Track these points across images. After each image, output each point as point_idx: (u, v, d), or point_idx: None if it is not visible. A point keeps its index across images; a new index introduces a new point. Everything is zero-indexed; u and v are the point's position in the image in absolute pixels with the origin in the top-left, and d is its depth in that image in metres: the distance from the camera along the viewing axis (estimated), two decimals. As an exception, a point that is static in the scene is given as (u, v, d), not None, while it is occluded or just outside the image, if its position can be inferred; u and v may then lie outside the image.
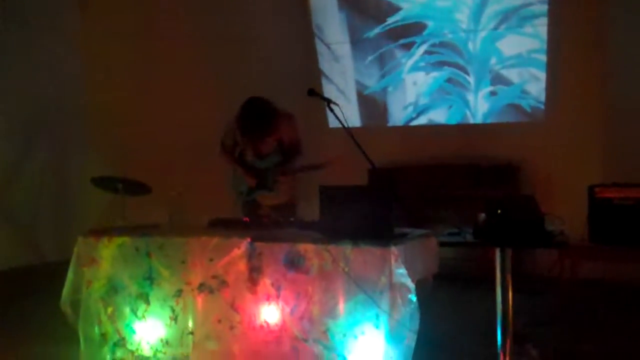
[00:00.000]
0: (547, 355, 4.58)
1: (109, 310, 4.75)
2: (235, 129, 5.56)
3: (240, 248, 4.46)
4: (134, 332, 4.70)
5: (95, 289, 4.79)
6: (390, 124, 8.57)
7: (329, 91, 8.52)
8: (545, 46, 7.71)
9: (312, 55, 8.66)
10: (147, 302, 4.64)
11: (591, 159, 7.04)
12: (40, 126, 8.66)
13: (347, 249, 4.26)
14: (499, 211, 4.26)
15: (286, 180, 5.68)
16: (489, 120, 8.06)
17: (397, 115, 8.57)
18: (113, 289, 4.75)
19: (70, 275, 4.86)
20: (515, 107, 7.98)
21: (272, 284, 4.38)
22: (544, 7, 7.63)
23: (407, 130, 8.35)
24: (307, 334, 4.29)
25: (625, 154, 6.80)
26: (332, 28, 8.74)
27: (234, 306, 4.43)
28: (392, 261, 4.16)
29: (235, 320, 4.41)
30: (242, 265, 4.44)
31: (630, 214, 5.41)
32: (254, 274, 4.42)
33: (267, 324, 4.37)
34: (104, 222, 6.97)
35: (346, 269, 4.23)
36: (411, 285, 4.14)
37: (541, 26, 7.71)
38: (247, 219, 5.08)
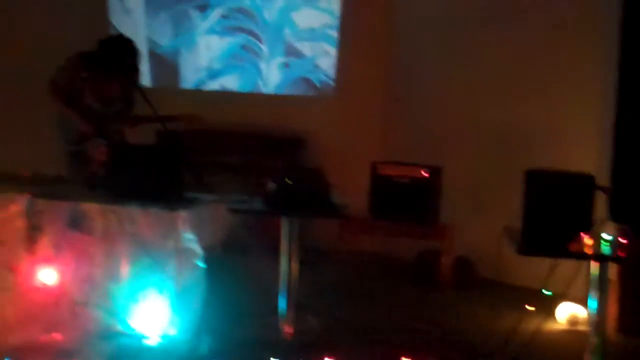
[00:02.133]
0: (326, 324, 4.74)
1: None
2: (76, 66, 5.04)
3: (18, 204, 4.21)
4: None
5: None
6: (182, 86, 8.42)
7: (117, 45, 8.16)
8: (337, 22, 7.89)
9: (101, 5, 8.27)
10: None
11: (375, 137, 7.33)
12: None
13: (134, 211, 4.17)
14: (289, 181, 4.34)
15: (124, 133, 5.31)
16: (280, 92, 8.14)
17: (190, 78, 8.41)
18: None
19: None
20: (306, 81, 8.11)
21: (53, 244, 4.19)
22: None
23: (198, 95, 8.22)
24: (87, 298, 4.16)
25: (406, 133, 7.16)
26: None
27: (9, 266, 4.20)
28: (180, 226, 4.14)
29: (9, 281, 4.19)
30: (20, 223, 4.21)
31: (408, 192, 5.69)
32: (32, 232, 4.20)
33: (45, 286, 4.17)
34: None
35: (132, 231, 4.14)
36: (199, 250, 4.14)
37: (335, 2, 7.89)
38: (27, 173, 4.75)
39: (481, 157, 6.41)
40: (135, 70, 5.19)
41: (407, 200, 5.67)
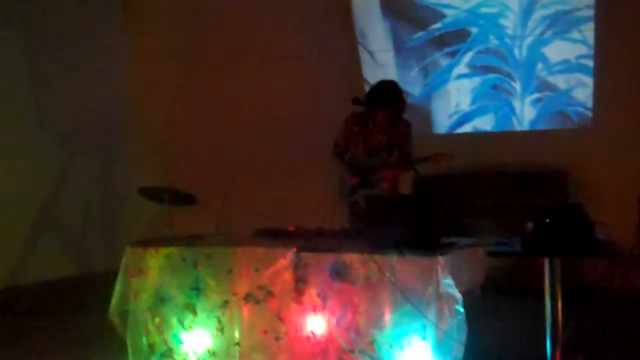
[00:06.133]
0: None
1: (157, 320, 4.79)
2: (349, 122, 5.61)
3: (286, 258, 4.45)
4: (181, 342, 4.73)
5: (142, 299, 4.83)
6: (435, 131, 8.52)
7: (373, 100, 8.47)
8: (592, 51, 7.59)
9: (355, 63, 8.65)
10: (194, 313, 4.67)
11: (638, 168, 6.89)
12: (88, 140, 8.81)
13: (393, 259, 4.23)
14: (548, 220, 4.19)
15: (389, 179, 5.61)
16: (535, 127, 7.95)
17: (442, 123, 8.51)
18: (160, 299, 4.79)
19: (118, 285, 4.91)
20: (562, 114, 7.87)
21: (318, 295, 4.36)
22: (591, 12, 7.52)
23: (452, 138, 8.29)
24: (353, 345, 4.26)
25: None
26: (376, 35, 8.72)
27: (280, 317, 4.42)
28: (439, 271, 4.12)
29: (281, 331, 4.41)
30: (288, 276, 4.43)
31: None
32: (299, 285, 4.41)
33: (314, 334, 4.35)
34: (151, 233, 7.05)
35: (392, 279, 4.20)
36: (458, 295, 4.09)
37: (588, 31, 7.61)
38: (292, 228, 5.06)
39: None
40: (401, 105, 5.51)
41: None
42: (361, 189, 5.62)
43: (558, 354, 4.17)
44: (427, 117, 8.55)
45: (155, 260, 4.83)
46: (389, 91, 5.51)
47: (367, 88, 8.51)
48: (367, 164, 5.64)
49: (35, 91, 8.43)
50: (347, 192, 5.71)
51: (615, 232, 4.27)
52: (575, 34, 7.74)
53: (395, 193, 5.62)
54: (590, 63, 7.64)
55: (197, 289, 4.67)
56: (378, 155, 5.61)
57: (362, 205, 5.50)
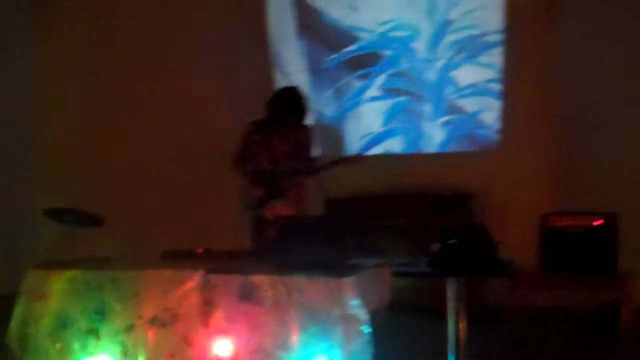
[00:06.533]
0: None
1: (58, 346, 4.63)
2: (250, 133, 5.59)
3: (193, 280, 4.41)
4: (84, 368, 4.61)
5: (44, 324, 4.67)
6: (347, 153, 8.59)
7: (285, 120, 8.49)
8: (500, 75, 7.80)
9: (269, 83, 8.67)
10: (98, 337, 4.55)
11: (543, 188, 7.10)
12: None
13: (301, 280, 4.24)
14: (453, 241, 4.28)
15: (295, 187, 5.63)
16: (444, 149, 8.11)
17: (354, 145, 8.59)
18: (62, 324, 4.64)
19: (18, 309, 4.75)
20: (470, 136, 8.05)
21: (225, 317, 4.33)
22: (500, 37, 7.72)
23: (363, 160, 8.36)
24: (259, 368, 4.25)
25: (576, 182, 6.89)
26: (291, 56, 8.77)
27: (186, 340, 4.37)
28: (346, 292, 4.15)
29: (187, 355, 4.35)
30: (195, 298, 4.39)
31: (581, 242, 5.46)
32: (207, 307, 4.37)
33: (219, 358, 4.32)
34: (54, 255, 6.86)
35: (300, 300, 4.21)
36: (365, 316, 4.13)
37: (497, 55, 7.80)
38: (200, 250, 5.02)
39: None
40: (302, 111, 5.57)
41: (581, 250, 5.45)
42: (269, 200, 5.59)
43: (461, 373, 4.24)
44: (339, 139, 8.63)
45: (58, 284, 4.70)
46: (291, 97, 5.58)
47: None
48: (272, 174, 5.60)
49: None
50: (251, 204, 5.65)
51: (515, 253, 4.39)
52: (484, 58, 7.93)
53: (304, 213, 5.64)
54: (497, 87, 7.84)
55: (101, 313, 4.56)
56: (283, 164, 5.62)
57: (270, 218, 5.49)
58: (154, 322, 4.42)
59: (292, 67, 8.78)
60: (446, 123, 8.15)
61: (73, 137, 8.62)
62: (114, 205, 7.50)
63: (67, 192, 7.92)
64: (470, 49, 7.96)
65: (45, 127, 8.69)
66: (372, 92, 8.47)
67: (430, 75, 8.19)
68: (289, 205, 5.57)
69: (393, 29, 8.34)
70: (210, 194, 7.30)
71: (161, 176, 8.10)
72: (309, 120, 5.78)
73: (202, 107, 8.24)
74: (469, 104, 8.09)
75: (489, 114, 7.95)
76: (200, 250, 5.00)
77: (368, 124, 8.52)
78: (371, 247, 4.82)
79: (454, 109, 8.12)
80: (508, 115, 7.71)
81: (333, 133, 8.62)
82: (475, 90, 8.01)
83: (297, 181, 5.67)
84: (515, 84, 7.64)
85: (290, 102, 5.55)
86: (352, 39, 8.50)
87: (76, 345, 4.60)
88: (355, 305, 4.15)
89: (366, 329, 4.08)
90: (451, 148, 8.09)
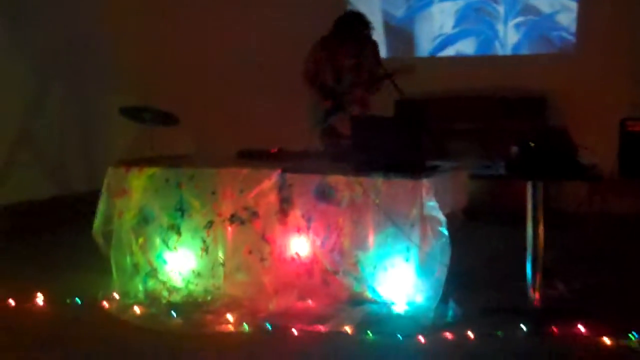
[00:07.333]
0: (574, 290, 4.56)
1: (140, 240, 4.79)
2: (317, 49, 5.79)
3: (270, 179, 4.47)
4: (165, 262, 4.76)
5: (126, 219, 4.81)
6: (417, 54, 8.44)
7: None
8: (577, -25, 7.49)
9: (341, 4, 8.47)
10: (179, 233, 4.68)
11: (622, 93, 6.88)
12: (63, 58, 8.59)
13: (378, 181, 4.26)
14: (532, 144, 4.19)
15: (359, 100, 5.79)
16: (518, 52, 7.90)
17: (424, 46, 8.41)
18: (144, 219, 4.78)
19: (101, 205, 4.89)
20: (546, 39, 7.81)
21: (303, 216, 4.40)
22: None
23: (434, 61, 8.21)
24: (337, 266, 4.32)
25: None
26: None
27: (264, 237, 4.46)
28: (424, 194, 4.16)
29: (265, 252, 4.44)
30: (273, 197, 4.45)
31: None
32: (284, 206, 4.44)
33: (298, 255, 4.40)
34: (132, 153, 6.98)
35: (377, 201, 4.23)
36: (442, 218, 4.14)
37: (575, -46, 7.49)
38: (274, 149, 5.03)
39: None
40: (367, 40, 5.76)
41: (661, 156, 5.27)
42: (334, 114, 5.69)
43: (539, 278, 4.22)
44: (409, 40, 8.45)
45: (138, 181, 4.81)
46: (357, 18, 5.80)
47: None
48: (337, 87, 5.76)
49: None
50: (319, 117, 5.78)
51: (596, 157, 4.29)
52: (561, -43, 7.63)
53: (380, 116, 5.66)
54: (575, -14, 7.55)
55: (181, 210, 4.67)
56: (346, 78, 5.77)
57: (338, 129, 5.56)
58: (232, 219, 4.51)
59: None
60: (520, 24, 7.90)
61: (148, 35, 8.60)
62: (189, 104, 7.55)
63: (142, 91, 7.97)
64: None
65: (120, 26, 8.68)
66: (443, -9, 8.24)
67: (505, -27, 7.91)
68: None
69: None
70: (283, 96, 7.24)
71: (235, 77, 8.08)
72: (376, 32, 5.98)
73: (276, 10, 8.13)
74: (544, 5, 7.81)
75: (566, 15, 7.67)
76: (274, 150, 5.01)
77: (439, 25, 8.31)
78: (448, 150, 4.78)
79: (528, 10, 7.85)
80: (585, 16, 7.43)
81: (403, 34, 8.45)
82: (552, -10, 7.73)
83: (360, 95, 5.81)
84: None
85: (356, 23, 5.74)
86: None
87: (158, 240, 4.75)
88: (432, 207, 4.15)
89: (444, 231, 4.08)
90: (525, 50, 7.86)
